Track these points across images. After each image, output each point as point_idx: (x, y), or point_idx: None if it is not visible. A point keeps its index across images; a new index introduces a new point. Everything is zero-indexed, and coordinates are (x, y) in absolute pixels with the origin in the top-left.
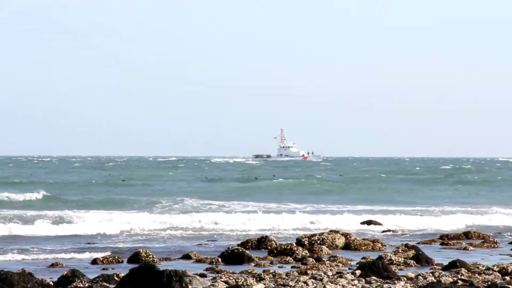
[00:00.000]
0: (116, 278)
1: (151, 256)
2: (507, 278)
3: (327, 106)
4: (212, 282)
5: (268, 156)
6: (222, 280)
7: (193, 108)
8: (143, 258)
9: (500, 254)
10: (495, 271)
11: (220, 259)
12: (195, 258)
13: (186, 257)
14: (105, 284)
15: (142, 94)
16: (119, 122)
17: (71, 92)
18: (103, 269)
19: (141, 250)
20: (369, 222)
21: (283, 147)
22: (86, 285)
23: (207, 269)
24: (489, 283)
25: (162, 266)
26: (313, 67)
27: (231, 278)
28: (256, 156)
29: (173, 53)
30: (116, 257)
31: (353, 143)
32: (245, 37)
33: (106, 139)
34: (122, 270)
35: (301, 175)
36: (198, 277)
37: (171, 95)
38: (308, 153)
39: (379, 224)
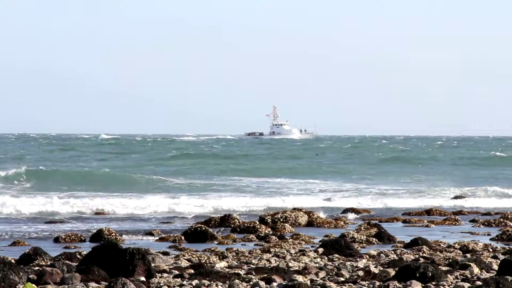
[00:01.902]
0: (78, 256)
1: (114, 234)
2: (468, 255)
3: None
4: (175, 260)
5: (261, 134)
6: (185, 258)
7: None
8: (106, 236)
9: (461, 232)
10: (456, 248)
11: (183, 237)
12: (158, 236)
13: (149, 234)
14: (68, 262)
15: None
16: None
17: None
18: (65, 247)
19: (104, 228)
20: (331, 200)
21: (276, 124)
22: (48, 263)
23: (170, 247)
24: (450, 260)
25: (125, 244)
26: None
27: (194, 256)
28: (249, 134)
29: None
30: (79, 235)
31: (349, 121)
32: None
33: None
34: (85, 248)
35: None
36: (161, 255)
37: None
38: (300, 130)
39: (342, 202)
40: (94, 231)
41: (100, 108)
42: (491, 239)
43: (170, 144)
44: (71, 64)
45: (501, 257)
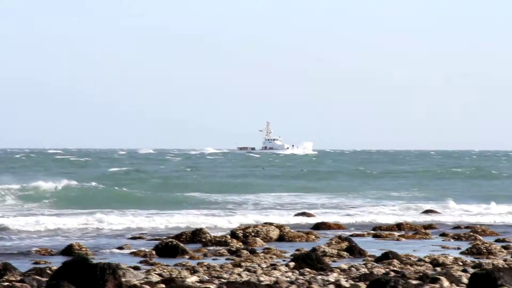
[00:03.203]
0: (48, 271)
1: (84, 249)
2: (438, 269)
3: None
4: (146, 274)
5: (253, 149)
6: (156, 272)
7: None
8: (76, 251)
9: (432, 245)
10: (426, 262)
11: (154, 252)
12: (129, 250)
13: (120, 249)
14: (38, 277)
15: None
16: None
17: None
18: (35, 262)
19: (74, 243)
20: (302, 214)
21: (268, 139)
22: (18, 278)
23: (141, 262)
24: (420, 274)
25: (96, 259)
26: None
27: (165, 270)
28: (241, 149)
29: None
30: (49, 250)
31: (344, 137)
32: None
33: None
34: (55, 263)
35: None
36: (131, 269)
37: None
38: (293, 145)
39: (312, 215)
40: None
41: (73, 119)
42: (461, 253)
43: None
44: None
45: (471, 270)
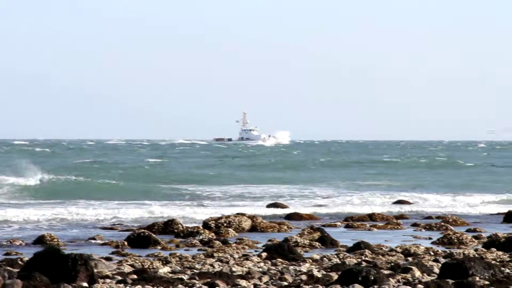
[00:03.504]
0: (20, 262)
1: (56, 240)
2: (410, 259)
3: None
4: (118, 265)
5: (229, 140)
6: (128, 263)
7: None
8: (48, 242)
9: (404, 236)
10: (398, 252)
11: (126, 243)
12: (101, 241)
13: (92, 240)
14: (9, 268)
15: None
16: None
17: None
18: (6, 253)
19: (46, 234)
20: (274, 205)
21: (245, 130)
22: None
23: (113, 253)
24: (392, 264)
25: (67, 250)
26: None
27: (137, 261)
28: (217, 140)
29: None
30: (20, 241)
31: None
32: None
33: None
34: (27, 254)
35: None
36: (103, 260)
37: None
38: (269, 136)
39: (285, 206)
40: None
41: (57, 109)
42: (432, 243)
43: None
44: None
45: (442, 260)
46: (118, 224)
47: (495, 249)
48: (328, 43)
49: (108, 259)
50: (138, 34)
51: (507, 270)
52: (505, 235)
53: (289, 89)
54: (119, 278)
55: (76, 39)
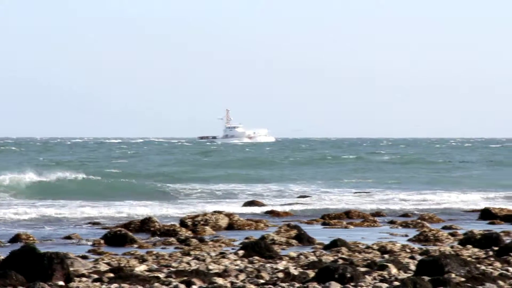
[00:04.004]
0: None
1: (31, 238)
2: (386, 256)
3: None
4: (94, 264)
5: (214, 137)
6: (105, 261)
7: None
8: (23, 241)
9: (380, 233)
10: (374, 249)
11: (102, 241)
12: (77, 239)
13: (68, 238)
14: None
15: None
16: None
17: None
18: None
19: (21, 233)
20: (251, 203)
21: (229, 127)
22: None
23: (89, 251)
24: (368, 261)
25: (43, 248)
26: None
27: (113, 259)
28: (201, 138)
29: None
30: None
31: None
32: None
33: None
34: (1, 253)
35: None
36: (80, 259)
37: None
38: (254, 133)
39: (262, 204)
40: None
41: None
42: (408, 240)
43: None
44: None
45: (418, 257)
46: (94, 223)
47: (470, 246)
48: (307, 42)
49: (84, 257)
50: (120, 34)
51: (483, 267)
52: (481, 232)
53: (271, 88)
54: (96, 276)
55: (44, 33)
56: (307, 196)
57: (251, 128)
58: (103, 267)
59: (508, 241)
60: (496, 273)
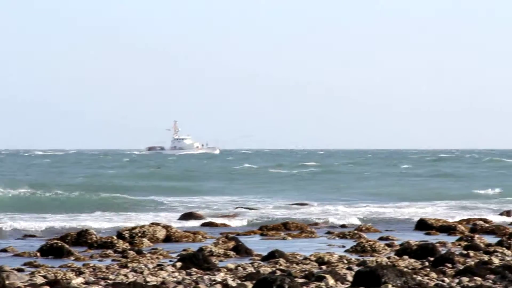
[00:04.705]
0: None
1: None
2: (324, 267)
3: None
4: (30, 276)
5: (162, 148)
6: (41, 274)
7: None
8: None
9: (318, 244)
10: (312, 260)
11: (38, 254)
12: (12, 252)
13: (3, 251)
14: None
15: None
16: None
17: None
18: None
19: None
20: (189, 215)
21: (177, 139)
22: None
23: (25, 264)
24: (306, 272)
25: None
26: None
27: (50, 272)
28: (149, 149)
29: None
30: None
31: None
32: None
33: None
34: None
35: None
36: (15, 272)
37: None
38: (202, 145)
39: (199, 216)
40: None
41: None
42: (345, 251)
43: None
44: None
45: (356, 268)
46: (30, 235)
47: (407, 257)
48: (255, 54)
49: (20, 270)
50: (69, 37)
51: (419, 278)
52: (417, 242)
53: (220, 98)
54: None
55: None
56: (246, 208)
57: (199, 140)
58: (39, 280)
59: (443, 252)
60: (432, 283)
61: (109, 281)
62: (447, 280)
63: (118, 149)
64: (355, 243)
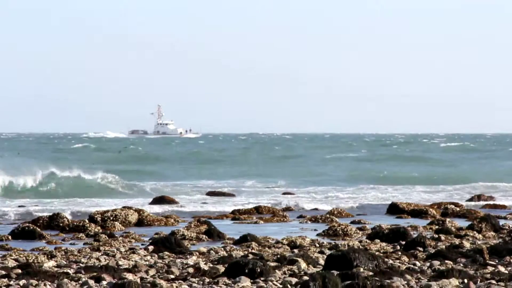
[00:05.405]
0: None
1: None
2: (296, 251)
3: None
4: (2, 260)
5: (145, 132)
6: (12, 258)
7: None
8: None
9: (290, 228)
10: (284, 244)
11: (10, 237)
12: None
13: None
14: None
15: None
16: None
17: None
18: None
19: None
20: (161, 199)
21: (160, 123)
22: None
23: None
24: (278, 256)
25: None
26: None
27: (21, 255)
28: (132, 132)
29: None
30: None
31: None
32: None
33: None
34: None
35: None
36: None
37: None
38: (186, 130)
39: (172, 200)
40: None
41: None
42: (317, 235)
43: None
44: None
45: (327, 252)
46: (1, 218)
47: (378, 241)
48: (239, 41)
49: None
50: (48, 26)
51: (391, 261)
52: (389, 226)
53: (202, 84)
54: (3, 272)
55: None
56: (219, 192)
57: (182, 125)
58: (10, 263)
59: (415, 236)
60: (403, 267)
61: (81, 265)
62: (418, 263)
63: (104, 132)
64: (327, 227)
